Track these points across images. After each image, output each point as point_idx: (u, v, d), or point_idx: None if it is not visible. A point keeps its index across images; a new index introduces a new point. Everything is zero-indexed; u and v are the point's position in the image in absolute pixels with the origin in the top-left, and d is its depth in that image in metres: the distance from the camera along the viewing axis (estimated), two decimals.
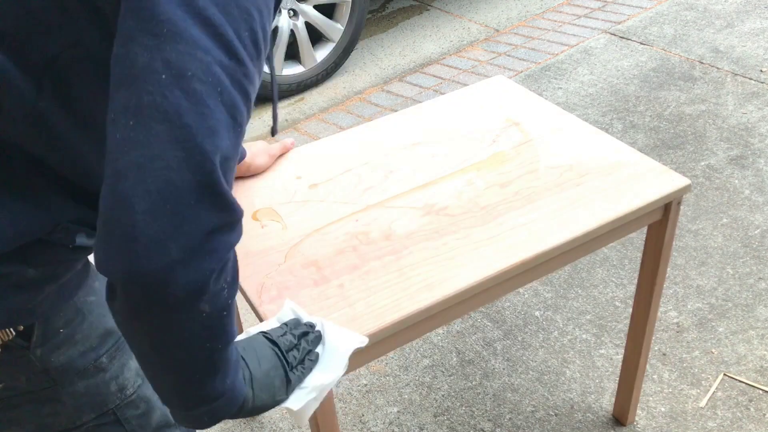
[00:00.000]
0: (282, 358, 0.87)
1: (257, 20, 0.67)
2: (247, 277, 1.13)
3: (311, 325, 0.95)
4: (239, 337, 0.88)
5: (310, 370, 0.90)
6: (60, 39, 0.69)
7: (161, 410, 0.98)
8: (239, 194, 1.32)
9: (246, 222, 1.25)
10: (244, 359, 0.83)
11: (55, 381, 0.85)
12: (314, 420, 1.07)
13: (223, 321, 0.71)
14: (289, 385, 0.87)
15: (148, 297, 0.64)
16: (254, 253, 1.18)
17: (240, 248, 1.19)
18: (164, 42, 0.62)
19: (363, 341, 0.97)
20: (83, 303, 0.87)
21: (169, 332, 0.68)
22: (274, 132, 1.11)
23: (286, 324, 0.93)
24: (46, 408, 0.86)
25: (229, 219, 0.66)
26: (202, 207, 0.63)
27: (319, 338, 0.94)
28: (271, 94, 1.02)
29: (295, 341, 0.90)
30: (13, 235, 0.72)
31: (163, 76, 0.61)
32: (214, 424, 0.79)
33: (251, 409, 0.83)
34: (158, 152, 0.61)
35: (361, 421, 1.73)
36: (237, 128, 0.67)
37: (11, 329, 0.79)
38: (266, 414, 1.76)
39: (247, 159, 1.34)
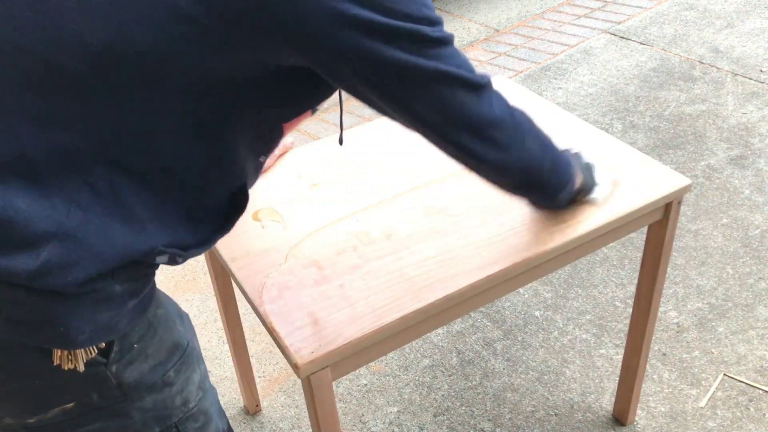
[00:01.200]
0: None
1: None
2: (247, 277, 1.13)
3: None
4: None
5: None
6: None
7: (215, 422, 0.99)
8: None
9: (246, 222, 1.26)
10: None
11: (126, 396, 0.85)
12: (314, 420, 1.07)
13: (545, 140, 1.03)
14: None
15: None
16: (255, 252, 1.18)
17: (240, 248, 1.20)
18: None
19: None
20: (153, 316, 0.87)
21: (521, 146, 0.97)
22: (341, 141, 1.21)
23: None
24: (114, 424, 0.86)
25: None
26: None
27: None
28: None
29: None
30: (113, 256, 0.74)
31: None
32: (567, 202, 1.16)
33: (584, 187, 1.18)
34: None
35: (361, 421, 1.73)
36: None
37: (94, 347, 0.79)
38: (266, 414, 1.76)
39: None
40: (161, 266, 0.94)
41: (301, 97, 0.86)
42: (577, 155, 1.19)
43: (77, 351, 0.77)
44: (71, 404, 0.82)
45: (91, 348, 0.78)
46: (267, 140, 0.90)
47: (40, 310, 0.72)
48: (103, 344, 0.80)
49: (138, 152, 0.75)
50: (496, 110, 0.90)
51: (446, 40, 0.82)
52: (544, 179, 1.06)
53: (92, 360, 0.79)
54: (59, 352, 0.76)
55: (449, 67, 0.82)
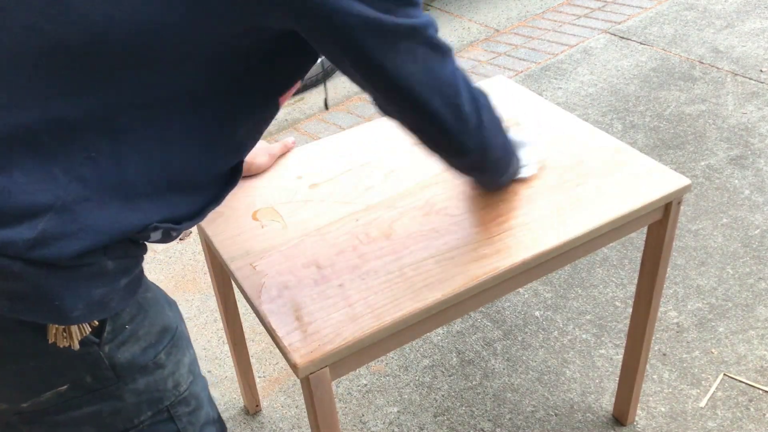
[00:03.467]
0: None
1: None
2: (247, 277, 1.13)
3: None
4: None
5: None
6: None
7: (206, 409, 1.00)
8: (240, 194, 1.33)
9: (246, 222, 1.26)
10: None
11: (119, 378, 0.86)
12: (313, 420, 1.07)
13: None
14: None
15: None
16: (255, 252, 1.18)
17: (240, 248, 1.20)
18: None
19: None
20: (143, 299, 0.89)
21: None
22: (327, 105, 1.26)
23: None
24: (108, 406, 0.86)
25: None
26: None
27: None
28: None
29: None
30: (109, 231, 0.76)
31: None
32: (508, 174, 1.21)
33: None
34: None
35: (361, 421, 1.73)
36: None
37: (87, 324, 0.80)
38: (266, 414, 1.76)
39: (247, 158, 1.34)
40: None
41: (290, 65, 0.90)
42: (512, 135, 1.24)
43: (71, 328, 0.78)
44: (65, 387, 0.82)
45: (84, 325, 0.79)
46: (264, 116, 0.93)
47: (36, 284, 0.73)
48: (96, 323, 0.81)
49: (140, 126, 0.77)
50: (459, 77, 0.94)
51: (414, 1, 0.86)
52: (498, 159, 1.12)
53: (86, 339, 0.80)
54: (54, 329, 0.77)
55: (417, 24, 0.85)
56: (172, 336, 0.92)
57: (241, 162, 0.94)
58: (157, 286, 0.97)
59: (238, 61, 0.81)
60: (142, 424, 0.90)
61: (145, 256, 0.86)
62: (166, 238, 0.84)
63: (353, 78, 0.89)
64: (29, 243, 0.71)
